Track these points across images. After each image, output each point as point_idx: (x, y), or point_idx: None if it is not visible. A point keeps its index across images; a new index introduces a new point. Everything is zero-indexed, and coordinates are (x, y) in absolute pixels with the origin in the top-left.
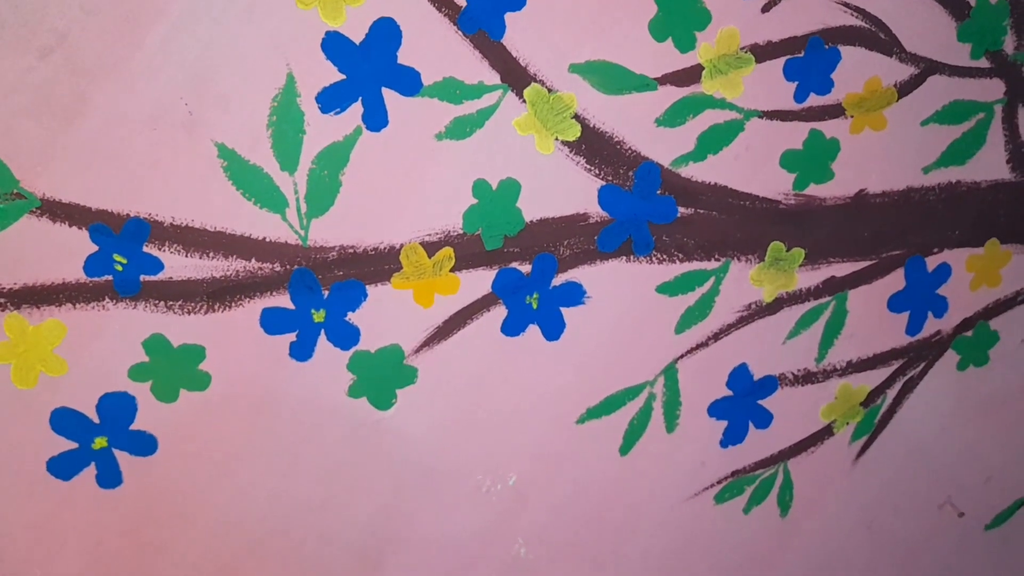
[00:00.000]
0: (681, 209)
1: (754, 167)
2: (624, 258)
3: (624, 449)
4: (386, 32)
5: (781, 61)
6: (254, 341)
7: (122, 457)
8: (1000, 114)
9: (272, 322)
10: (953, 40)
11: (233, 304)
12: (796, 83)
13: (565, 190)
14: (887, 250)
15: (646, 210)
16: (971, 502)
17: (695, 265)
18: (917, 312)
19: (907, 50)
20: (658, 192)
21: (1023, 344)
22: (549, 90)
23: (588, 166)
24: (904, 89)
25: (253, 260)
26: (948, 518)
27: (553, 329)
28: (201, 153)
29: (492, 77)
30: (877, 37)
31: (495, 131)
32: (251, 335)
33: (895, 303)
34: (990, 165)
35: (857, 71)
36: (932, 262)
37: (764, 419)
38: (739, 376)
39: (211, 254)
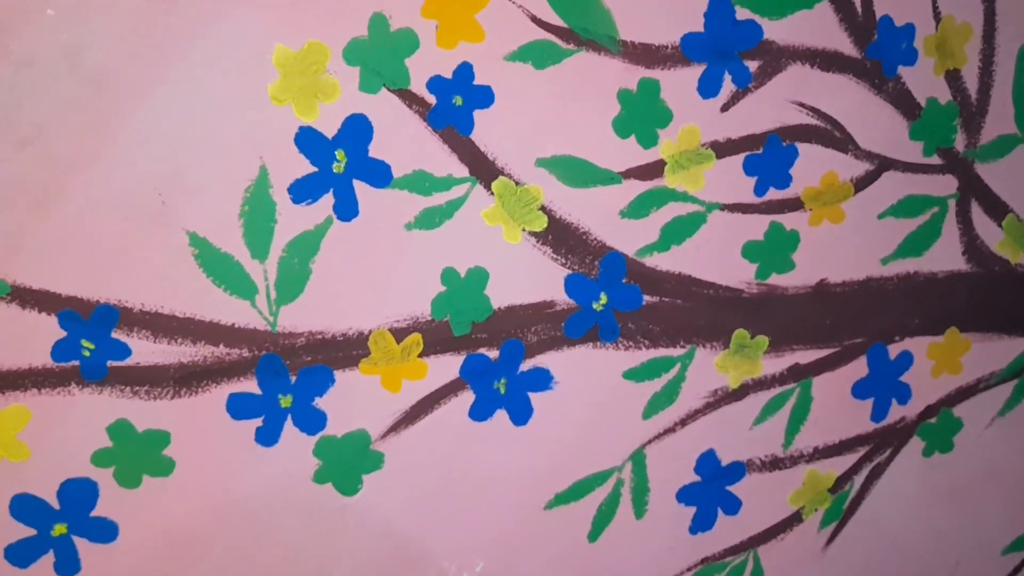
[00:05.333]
0: (646, 297)
1: (717, 257)
2: (591, 344)
3: (593, 535)
4: (358, 128)
5: (741, 156)
6: (220, 426)
7: (81, 544)
8: (954, 208)
9: (239, 407)
10: (905, 138)
11: (200, 389)
12: (756, 178)
13: (532, 278)
14: (849, 338)
15: (611, 298)
16: None
17: (661, 352)
18: (881, 399)
19: (862, 147)
20: (623, 280)
21: (987, 430)
22: (516, 183)
23: (555, 255)
24: (860, 184)
25: (221, 346)
26: None
27: (521, 414)
28: (172, 241)
29: (461, 170)
30: (832, 135)
31: (464, 221)
32: (217, 420)
33: (859, 390)
34: (946, 256)
35: (814, 166)
36: (894, 350)
37: (733, 505)
38: (707, 462)
39: (179, 340)
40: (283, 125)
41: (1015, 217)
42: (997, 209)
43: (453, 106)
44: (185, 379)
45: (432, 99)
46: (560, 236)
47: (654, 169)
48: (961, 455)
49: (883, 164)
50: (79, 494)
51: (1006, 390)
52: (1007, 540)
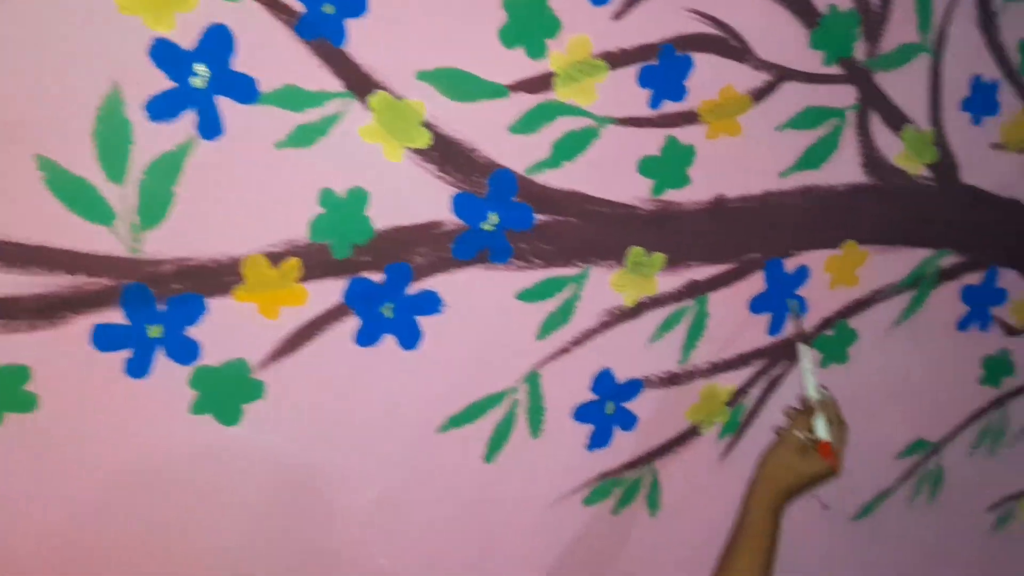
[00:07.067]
0: (538, 216)
1: (611, 173)
2: (482, 265)
3: (489, 456)
4: (219, 39)
5: (635, 68)
6: (85, 359)
7: None
8: (853, 119)
9: (104, 338)
10: (805, 48)
11: (59, 321)
12: (650, 90)
13: (417, 198)
14: (746, 253)
15: (502, 217)
16: (837, 495)
17: (555, 271)
18: (778, 313)
19: (760, 57)
20: (514, 199)
21: (882, 341)
22: (396, 97)
23: (440, 173)
24: (758, 95)
25: (80, 275)
26: (814, 511)
27: (409, 338)
28: (19, 165)
29: (335, 84)
30: (729, 45)
31: (340, 139)
32: (81, 353)
33: (756, 304)
34: (845, 169)
35: (711, 78)
36: (791, 264)
37: (630, 421)
38: (603, 380)
39: (32, 269)
40: (135, 37)
41: (914, 128)
42: (896, 120)
43: (324, 15)
44: (43, 311)
45: (301, 7)
46: (445, 153)
47: (543, 82)
48: (856, 365)
49: (782, 75)
50: None
51: (902, 301)
52: (901, 446)
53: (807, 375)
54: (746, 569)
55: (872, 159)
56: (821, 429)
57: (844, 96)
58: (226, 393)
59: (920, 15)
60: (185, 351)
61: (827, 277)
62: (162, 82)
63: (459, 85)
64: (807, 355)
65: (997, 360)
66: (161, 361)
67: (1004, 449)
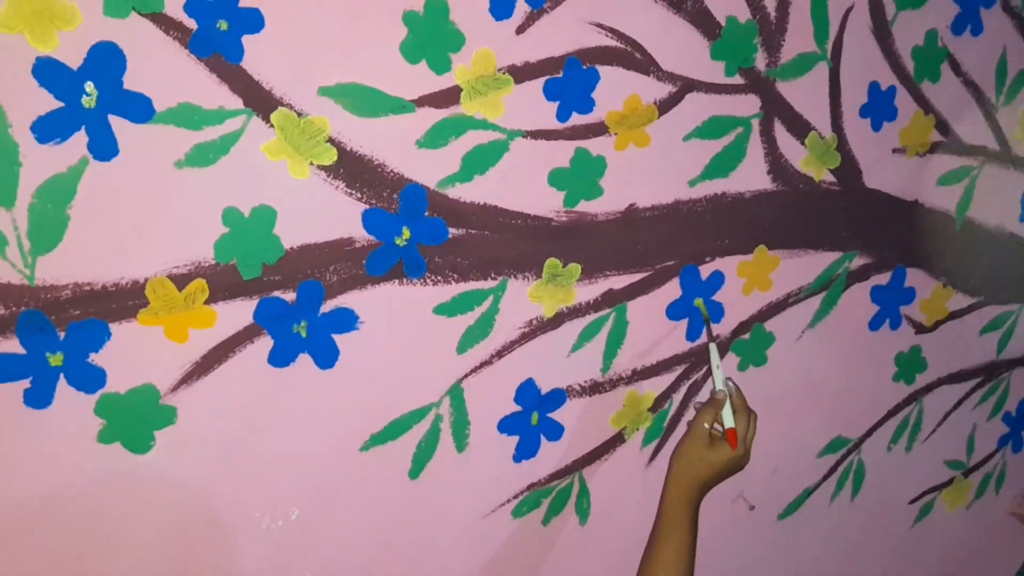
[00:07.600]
0: (452, 230)
1: (523, 186)
2: (396, 281)
3: (414, 472)
4: (107, 57)
5: (541, 81)
6: None
7: None
8: (757, 128)
9: (0, 369)
10: (707, 58)
11: None
12: (557, 103)
13: (326, 215)
14: (661, 261)
15: (415, 232)
16: (762, 494)
17: (471, 285)
18: (695, 318)
19: (664, 69)
20: (426, 213)
21: (797, 342)
22: (299, 114)
23: (349, 190)
24: (664, 106)
25: None
26: (741, 511)
27: (326, 357)
28: None
29: (234, 102)
30: (633, 57)
31: (242, 157)
32: None
33: (673, 311)
34: (752, 176)
35: (617, 90)
36: (705, 270)
37: (555, 431)
38: (526, 391)
39: None
40: (17, 56)
41: (817, 134)
42: (799, 127)
43: (218, 31)
44: None
45: (192, 24)
46: (353, 169)
47: (450, 96)
48: (774, 367)
49: (686, 85)
50: None
51: (815, 303)
52: (821, 444)
53: (715, 371)
54: (668, 563)
55: (778, 166)
56: (727, 417)
57: (748, 105)
58: (135, 420)
59: (816, 25)
60: (89, 379)
61: (741, 282)
62: (49, 102)
63: (363, 101)
64: (715, 353)
65: (909, 357)
66: (64, 390)
67: (920, 444)
